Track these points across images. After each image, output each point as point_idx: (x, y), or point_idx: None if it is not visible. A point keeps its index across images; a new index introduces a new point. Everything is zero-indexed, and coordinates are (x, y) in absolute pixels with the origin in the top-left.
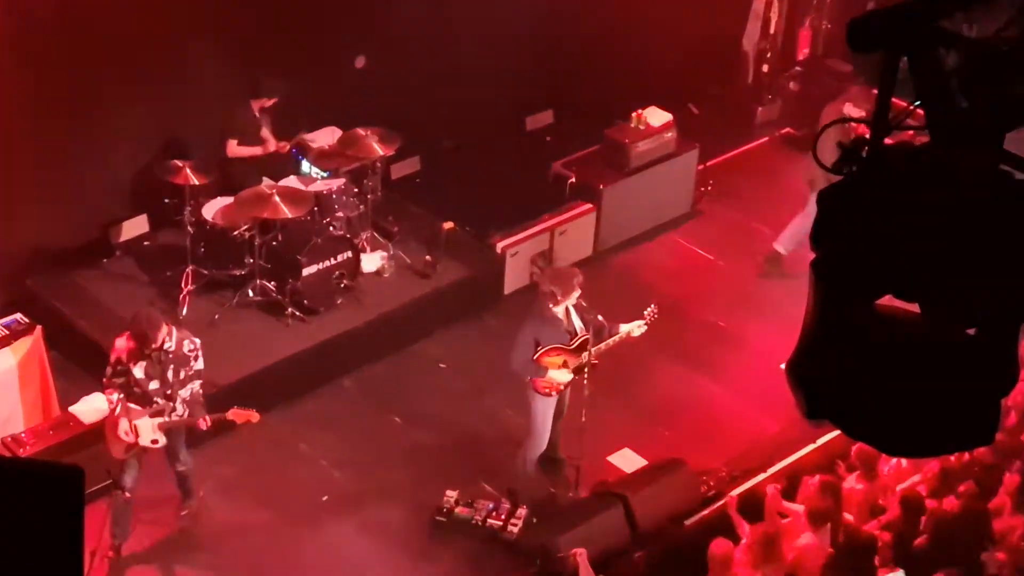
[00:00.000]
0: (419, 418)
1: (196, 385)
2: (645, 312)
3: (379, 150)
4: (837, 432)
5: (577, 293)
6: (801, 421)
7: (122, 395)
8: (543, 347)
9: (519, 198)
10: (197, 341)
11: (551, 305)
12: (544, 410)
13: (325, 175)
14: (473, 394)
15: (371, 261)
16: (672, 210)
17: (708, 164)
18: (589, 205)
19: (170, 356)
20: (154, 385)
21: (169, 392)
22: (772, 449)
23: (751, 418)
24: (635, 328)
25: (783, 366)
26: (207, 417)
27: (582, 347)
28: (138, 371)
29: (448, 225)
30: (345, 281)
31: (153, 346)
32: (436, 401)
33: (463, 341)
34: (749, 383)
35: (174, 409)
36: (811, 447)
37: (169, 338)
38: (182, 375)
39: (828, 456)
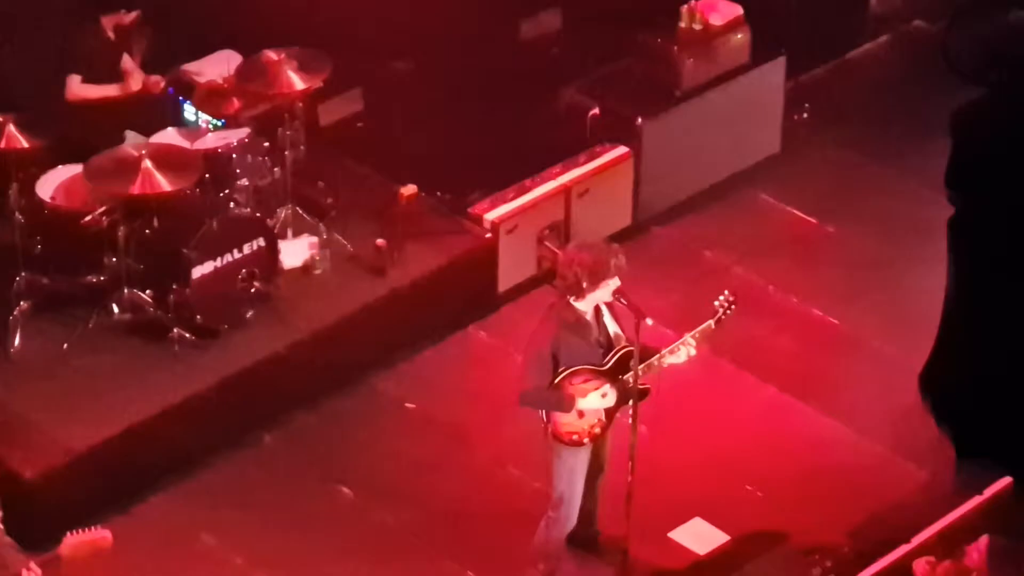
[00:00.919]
0: (379, 487)
1: None
2: (716, 302)
3: (299, 83)
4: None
5: (615, 283)
6: (957, 465)
7: None
8: (566, 369)
9: (515, 143)
10: None
11: (573, 301)
12: (573, 466)
13: (219, 125)
14: (459, 447)
15: (295, 252)
16: (751, 151)
17: (802, 78)
18: (623, 149)
19: None
20: None
21: None
22: (917, 509)
23: (883, 464)
24: (703, 331)
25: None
26: (32, 565)
27: (623, 365)
28: None
29: (409, 190)
30: (257, 284)
31: None
32: (403, 461)
33: (439, 368)
34: (880, 411)
35: None
36: (974, 502)
37: None
38: None
39: (1001, 515)
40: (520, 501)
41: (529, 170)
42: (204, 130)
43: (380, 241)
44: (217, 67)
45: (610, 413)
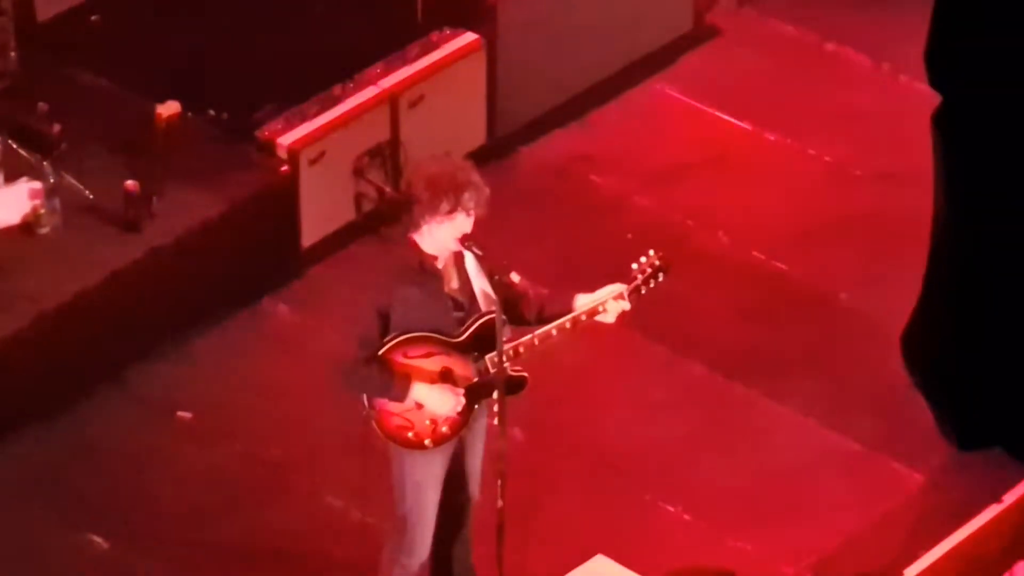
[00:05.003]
0: (144, 534)
1: None
2: (635, 265)
3: None
4: None
5: (463, 221)
6: (960, 462)
7: None
8: (396, 336)
9: (317, 37)
10: None
11: (416, 237)
12: (420, 481)
13: None
14: (256, 471)
15: (9, 203)
16: (653, 31)
17: None
18: (471, 37)
19: None
20: None
21: None
22: (910, 528)
23: (860, 466)
24: (611, 300)
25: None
26: None
27: (483, 340)
28: None
29: (169, 109)
30: None
31: None
32: (176, 495)
33: (222, 358)
34: (853, 393)
35: None
36: (992, 512)
37: None
38: None
39: None
40: (346, 545)
41: (338, 74)
42: None
43: (131, 183)
44: None
45: (466, 407)
